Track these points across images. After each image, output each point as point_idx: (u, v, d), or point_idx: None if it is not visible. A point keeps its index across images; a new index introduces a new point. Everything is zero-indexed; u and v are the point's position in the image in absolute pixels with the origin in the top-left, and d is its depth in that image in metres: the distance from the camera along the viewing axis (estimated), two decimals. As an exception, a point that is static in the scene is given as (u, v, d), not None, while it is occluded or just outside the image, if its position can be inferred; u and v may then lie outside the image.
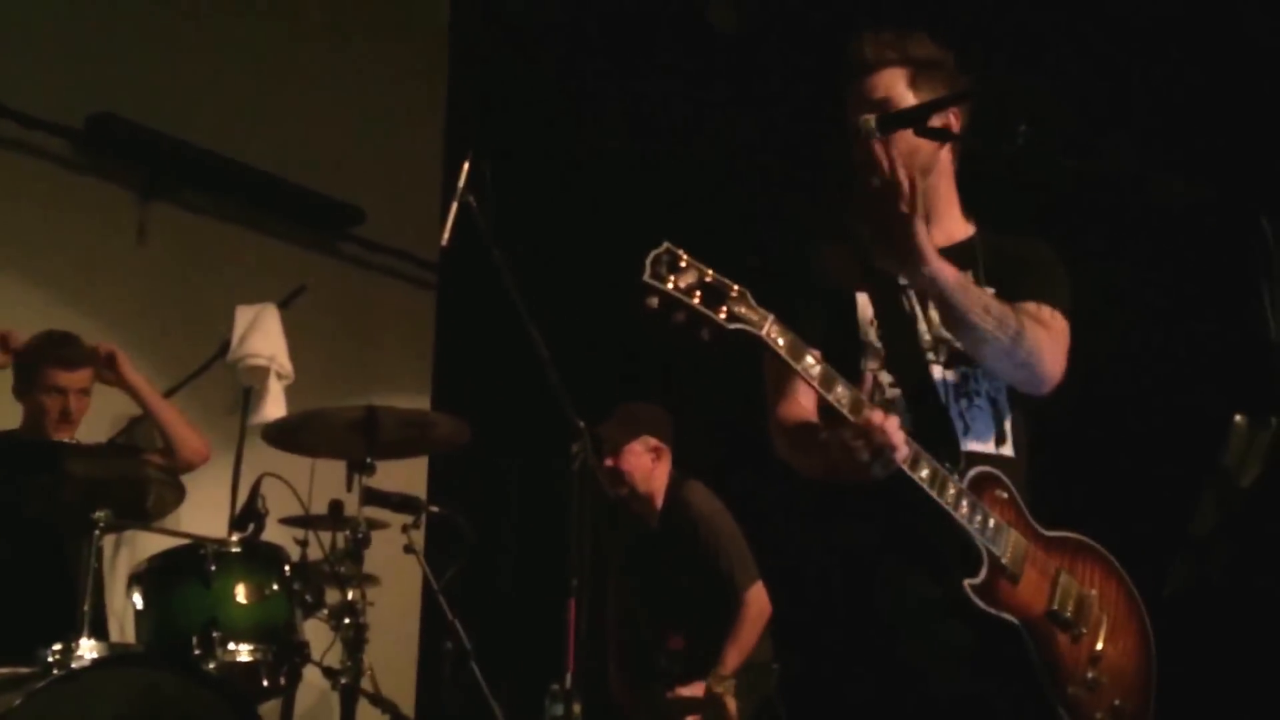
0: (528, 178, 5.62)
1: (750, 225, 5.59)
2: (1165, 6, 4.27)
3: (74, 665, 3.04)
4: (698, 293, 1.92)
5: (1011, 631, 2.19)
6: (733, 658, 4.08)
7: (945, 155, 2.39)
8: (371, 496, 3.78)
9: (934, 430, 2.23)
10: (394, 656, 5.16)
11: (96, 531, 3.26)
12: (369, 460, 3.73)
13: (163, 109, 4.92)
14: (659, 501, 4.39)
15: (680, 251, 1.93)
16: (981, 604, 2.14)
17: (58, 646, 3.10)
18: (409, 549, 4.00)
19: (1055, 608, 2.24)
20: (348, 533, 3.74)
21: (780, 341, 2.00)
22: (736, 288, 1.96)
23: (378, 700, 3.77)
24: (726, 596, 4.19)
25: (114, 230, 4.84)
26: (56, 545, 3.73)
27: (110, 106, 4.76)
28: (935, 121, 2.26)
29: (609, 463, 4.31)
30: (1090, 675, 2.26)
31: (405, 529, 4.02)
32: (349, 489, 3.79)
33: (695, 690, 4.08)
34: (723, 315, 1.93)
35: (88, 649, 3.09)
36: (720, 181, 5.81)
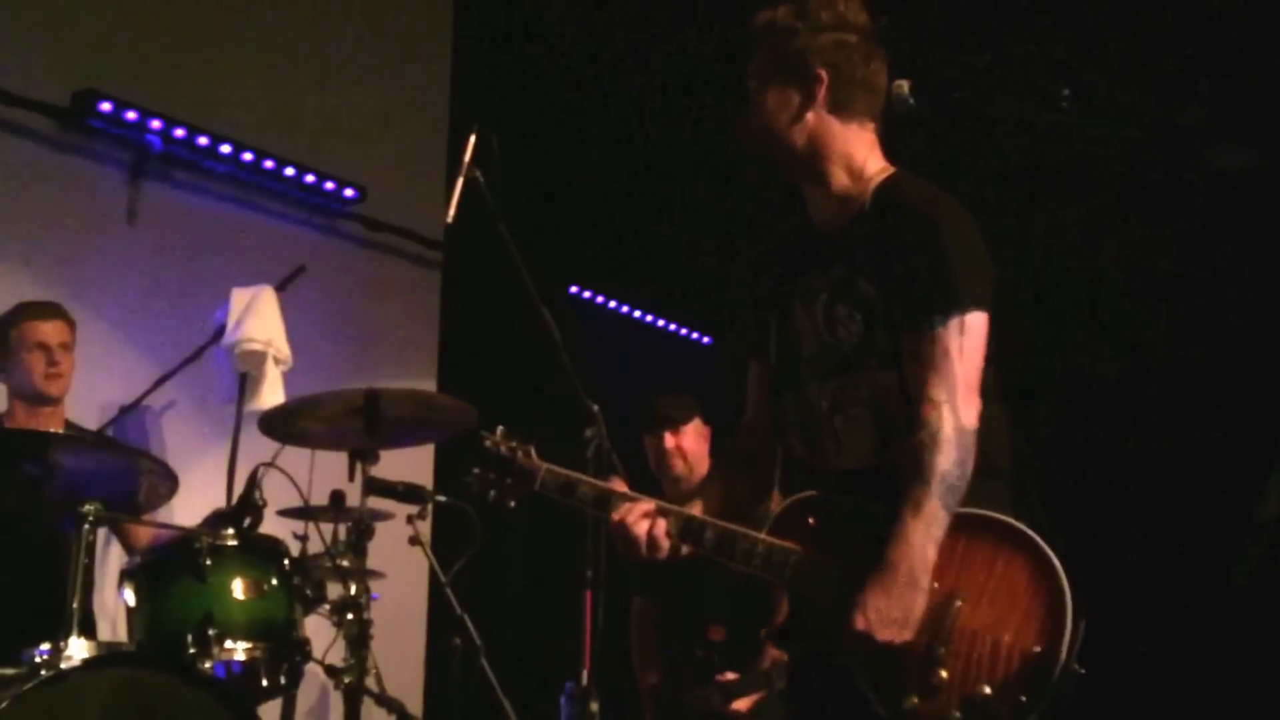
0: (535, 151, 5.48)
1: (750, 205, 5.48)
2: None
3: (63, 665, 2.90)
4: (491, 474, 2.44)
5: (834, 660, 2.20)
6: (774, 654, 3.94)
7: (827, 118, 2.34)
8: (375, 486, 3.64)
9: (813, 452, 2.34)
10: (400, 653, 5.04)
11: (86, 525, 3.11)
12: (371, 448, 3.58)
13: (152, 85, 4.80)
14: None
15: (485, 438, 2.44)
16: (786, 653, 2.25)
17: (46, 646, 2.97)
18: (414, 541, 3.86)
19: None
20: (350, 524, 3.61)
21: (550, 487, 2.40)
22: (523, 450, 2.43)
23: (383, 700, 3.63)
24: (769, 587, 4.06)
25: (103, 211, 4.72)
26: (44, 539, 3.60)
27: (97, 83, 4.63)
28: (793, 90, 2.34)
29: (671, 440, 4.25)
30: (937, 675, 2.13)
31: (410, 520, 3.88)
32: (351, 478, 3.66)
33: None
34: (508, 483, 2.42)
35: (77, 648, 2.96)
36: (724, 157, 5.70)
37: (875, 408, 2.26)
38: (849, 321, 2.29)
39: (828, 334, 2.31)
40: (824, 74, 2.30)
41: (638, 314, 6.70)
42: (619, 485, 2.37)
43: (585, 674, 3.74)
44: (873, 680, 2.16)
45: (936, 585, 2.16)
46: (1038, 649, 2.10)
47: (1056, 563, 2.13)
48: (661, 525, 2.27)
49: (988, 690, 2.10)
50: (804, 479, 2.35)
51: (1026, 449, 2.37)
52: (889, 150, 2.38)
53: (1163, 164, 3.58)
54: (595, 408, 3.58)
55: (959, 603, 2.15)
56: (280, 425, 3.69)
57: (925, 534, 2.13)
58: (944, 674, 2.12)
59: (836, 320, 2.31)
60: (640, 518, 2.27)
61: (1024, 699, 2.08)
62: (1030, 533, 2.17)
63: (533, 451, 2.41)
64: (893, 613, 2.11)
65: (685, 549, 2.29)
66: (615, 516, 2.29)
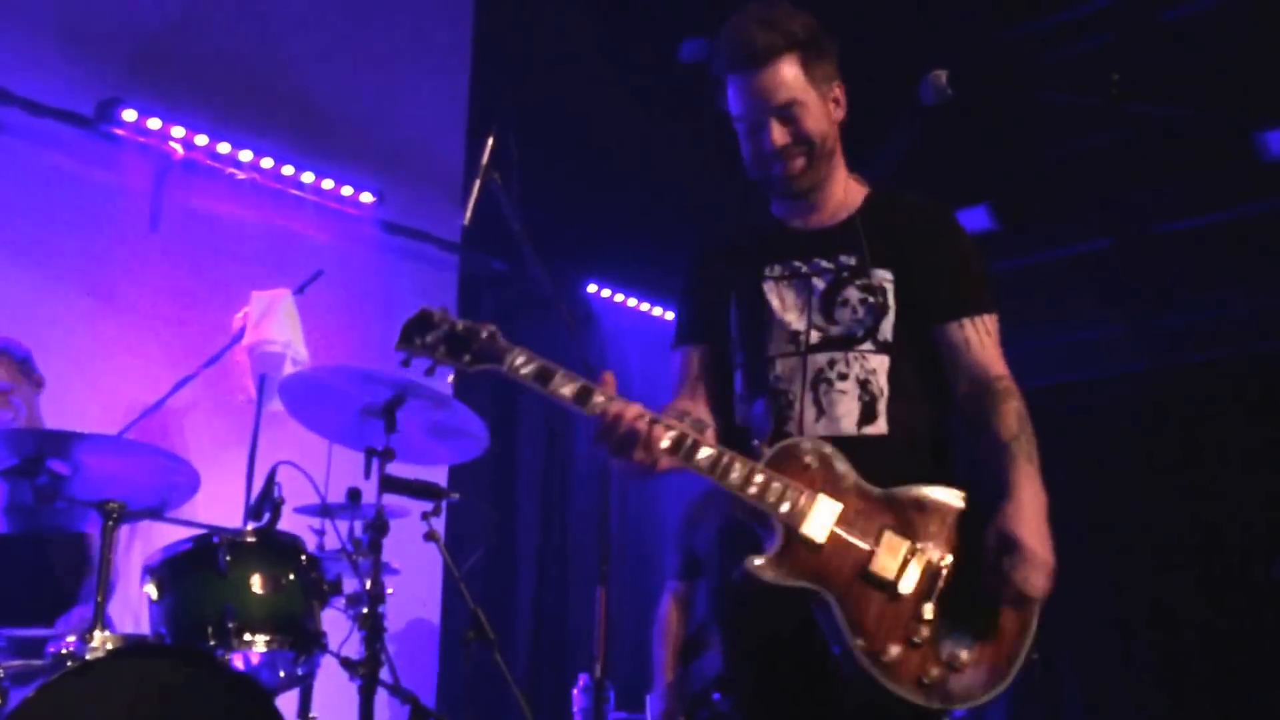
0: (552, 152, 5.53)
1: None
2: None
3: (89, 657, 2.99)
4: (442, 346, 2.20)
5: (817, 598, 2.21)
6: None
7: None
8: (390, 484, 3.69)
9: (784, 420, 2.38)
10: (414, 646, 5.09)
11: (110, 522, 3.20)
12: (388, 447, 3.65)
13: (173, 93, 4.86)
14: None
15: (433, 312, 2.22)
16: (768, 577, 2.20)
17: (72, 638, 3.06)
18: (429, 537, 3.91)
19: (872, 568, 2.20)
20: (366, 521, 3.66)
21: (524, 370, 2.20)
22: (487, 331, 2.22)
23: (397, 691, 3.69)
24: None
25: (127, 217, 4.78)
26: (69, 537, 3.67)
27: (120, 92, 4.70)
28: (831, 96, 2.40)
29: None
30: (920, 632, 2.18)
31: (425, 517, 3.94)
32: (367, 476, 3.71)
33: None
34: (466, 359, 2.20)
35: (102, 640, 3.04)
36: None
37: (863, 385, 2.37)
38: (858, 305, 2.38)
39: (821, 314, 2.40)
40: None
41: (656, 311, 6.73)
42: (608, 383, 2.22)
43: (599, 667, 3.78)
44: (857, 626, 2.18)
45: (932, 544, 2.23)
46: (1014, 629, 2.19)
47: None
48: (659, 430, 2.17)
49: (965, 656, 2.17)
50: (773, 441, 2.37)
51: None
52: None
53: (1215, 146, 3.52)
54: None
55: (948, 567, 2.22)
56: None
57: (1039, 480, 2.26)
58: (926, 632, 2.17)
59: (840, 303, 2.40)
60: (636, 416, 2.15)
61: (1000, 671, 2.16)
62: None
63: (499, 334, 2.23)
64: (1048, 559, 2.19)
65: (670, 461, 2.20)
66: (613, 409, 2.15)
